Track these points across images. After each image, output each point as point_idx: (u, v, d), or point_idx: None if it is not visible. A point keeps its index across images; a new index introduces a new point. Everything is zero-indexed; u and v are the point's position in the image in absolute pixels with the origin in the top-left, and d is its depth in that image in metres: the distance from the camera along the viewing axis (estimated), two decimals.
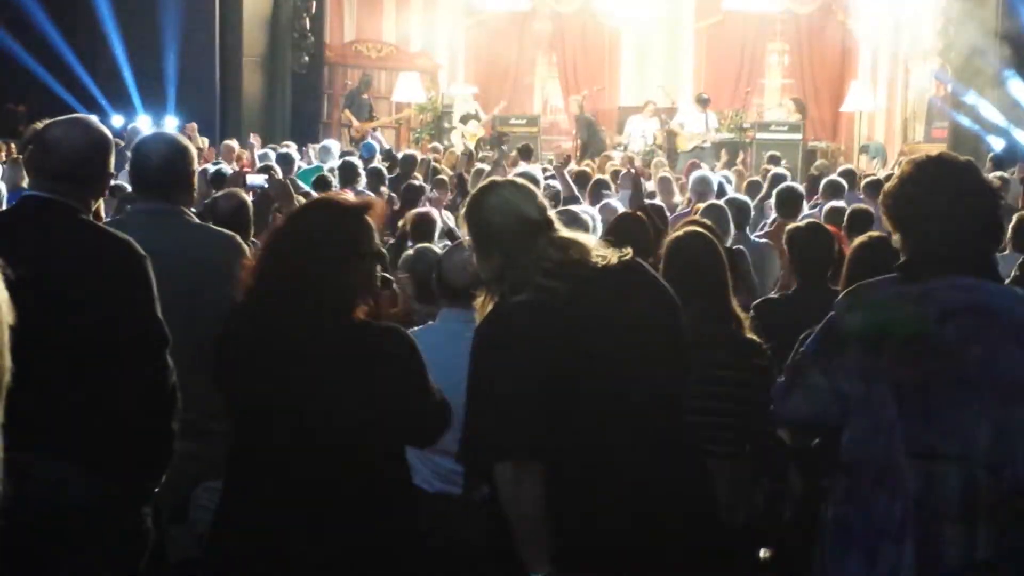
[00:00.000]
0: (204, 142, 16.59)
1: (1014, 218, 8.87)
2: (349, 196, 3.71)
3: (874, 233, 5.02)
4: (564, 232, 3.38)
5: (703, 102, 20.92)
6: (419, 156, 15.05)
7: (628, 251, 3.36)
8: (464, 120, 21.67)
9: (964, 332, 3.08)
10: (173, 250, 4.26)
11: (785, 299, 5.83)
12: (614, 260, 3.30)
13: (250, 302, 3.34)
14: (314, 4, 21.32)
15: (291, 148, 15.16)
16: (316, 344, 3.24)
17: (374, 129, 20.86)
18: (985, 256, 3.25)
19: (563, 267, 3.24)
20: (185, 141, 4.82)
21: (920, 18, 21.85)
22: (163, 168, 4.59)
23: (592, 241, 3.42)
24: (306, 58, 21.40)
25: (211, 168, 11.40)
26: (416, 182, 11.31)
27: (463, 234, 3.54)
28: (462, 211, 3.51)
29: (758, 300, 5.99)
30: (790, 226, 6.14)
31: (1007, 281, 7.62)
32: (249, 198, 6.44)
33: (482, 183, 3.69)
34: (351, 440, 3.23)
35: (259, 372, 3.26)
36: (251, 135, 17.95)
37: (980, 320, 3.10)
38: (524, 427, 3.09)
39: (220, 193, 6.87)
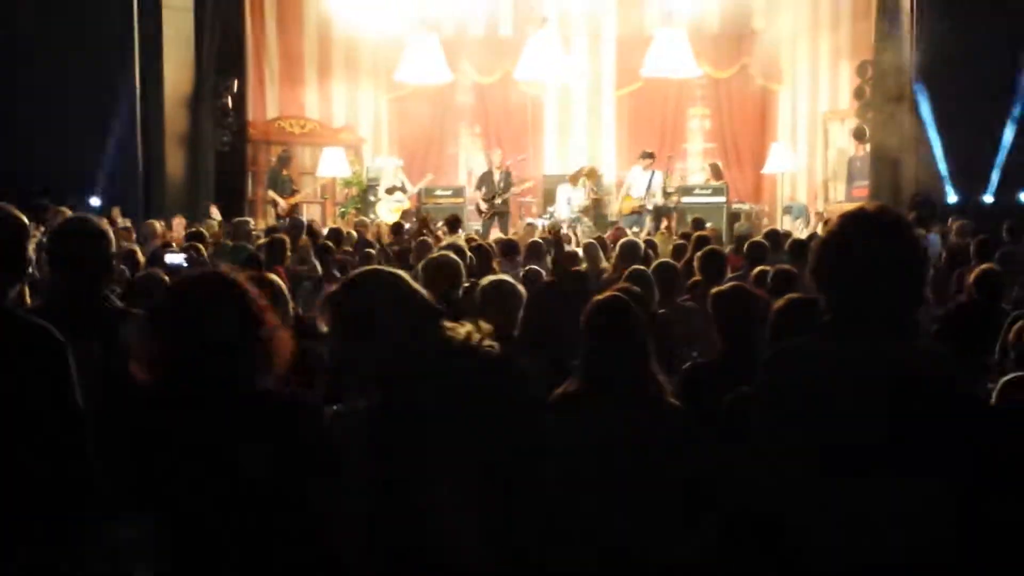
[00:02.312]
0: (127, 222, 16.43)
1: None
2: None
3: (794, 295, 5.03)
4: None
5: (648, 156, 21.11)
6: (345, 231, 15.05)
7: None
8: (390, 192, 21.66)
9: (877, 403, 3.06)
10: (95, 335, 4.20)
11: (711, 363, 5.83)
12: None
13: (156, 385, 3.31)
14: (235, 82, 21.27)
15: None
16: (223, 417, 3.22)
17: (296, 205, 20.80)
18: (908, 316, 3.21)
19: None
20: (103, 224, 4.77)
21: (836, 79, 22.25)
22: (82, 252, 4.53)
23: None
24: (228, 136, 21.32)
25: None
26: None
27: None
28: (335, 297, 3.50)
29: (686, 365, 5.98)
30: (714, 290, 6.15)
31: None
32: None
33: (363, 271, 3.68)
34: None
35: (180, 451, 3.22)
36: (211, 207, 17.96)
37: (894, 389, 3.08)
38: None
39: (139, 274, 6.80)
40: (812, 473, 3.06)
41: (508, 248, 12.45)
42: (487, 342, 3.45)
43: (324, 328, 3.47)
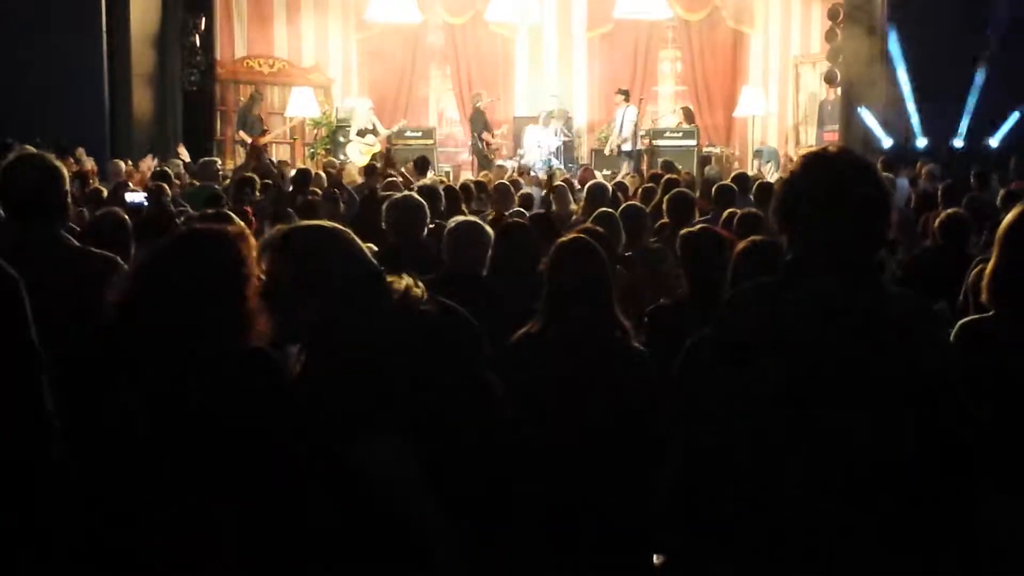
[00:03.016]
0: (91, 162, 16.26)
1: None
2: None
3: (757, 237, 5.00)
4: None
5: (621, 93, 21.11)
6: (313, 171, 14.96)
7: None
8: (361, 134, 21.53)
9: (845, 333, 3.04)
10: (49, 274, 4.14)
11: (677, 304, 5.80)
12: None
13: (125, 324, 3.25)
14: (203, 20, 21.05)
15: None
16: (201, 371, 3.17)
17: (266, 145, 20.66)
18: (869, 257, 3.17)
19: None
20: (55, 161, 4.69)
21: (808, 22, 22.20)
22: (34, 191, 4.47)
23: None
24: (197, 75, 21.11)
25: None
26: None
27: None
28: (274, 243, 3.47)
29: (651, 306, 5.95)
30: (682, 232, 6.12)
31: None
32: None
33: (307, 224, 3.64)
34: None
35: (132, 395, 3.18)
36: (179, 148, 17.86)
37: (860, 322, 3.06)
38: None
39: (98, 212, 6.74)
40: (769, 417, 3.05)
41: (478, 189, 12.40)
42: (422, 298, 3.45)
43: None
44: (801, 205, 3.16)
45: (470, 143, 22.01)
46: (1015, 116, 17.49)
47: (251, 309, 3.30)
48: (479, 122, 22.00)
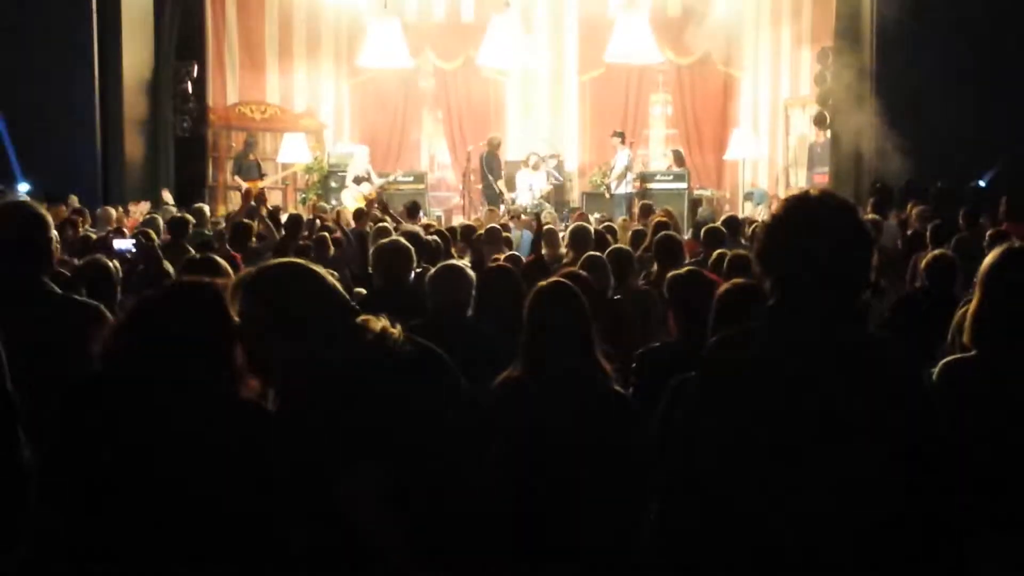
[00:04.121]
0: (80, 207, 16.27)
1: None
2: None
3: (740, 280, 5.01)
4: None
5: (619, 136, 21.26)
6: (305, 217, 14.99)
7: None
8: (357, 181, 21.50)
9: (825, 377, 3.03)
10: (31, 323, 4.14)
11: (665, 347, 5.80)
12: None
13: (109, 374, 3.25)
14: (195, 67, 21.10)
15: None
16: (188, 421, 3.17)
17: (262, 189, 20.69)
18: (851, 302, 3.15)
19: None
20: (39, 209, 4.70)
21: (798, 66, 22.30)
22: (16, 239, 4.47)
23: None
24: (189, 121, 21.16)
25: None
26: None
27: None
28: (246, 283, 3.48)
29: (641, 349, 5.95)
30: (670, 273, 6.13)
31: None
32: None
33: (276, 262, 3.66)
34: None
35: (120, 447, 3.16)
36: (163, 192, 17.85)
37: (841, 365, 3.05)
38: None
39: (84, 260, 6.73)
40: (753, 457, 3.05)
41: (466, 233, 12.43)
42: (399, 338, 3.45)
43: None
44: (780, 249, 3.16)
45: (482, 184, 21.78)
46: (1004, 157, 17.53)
47: (241, 361, 3.30)
48: (493, 163, 21.81)
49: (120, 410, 3.19)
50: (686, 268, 6.69)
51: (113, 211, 15.84)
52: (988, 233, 11.04)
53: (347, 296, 3.53)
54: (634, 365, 5.59)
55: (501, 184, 21.33)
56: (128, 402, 3.19)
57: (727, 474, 3.09)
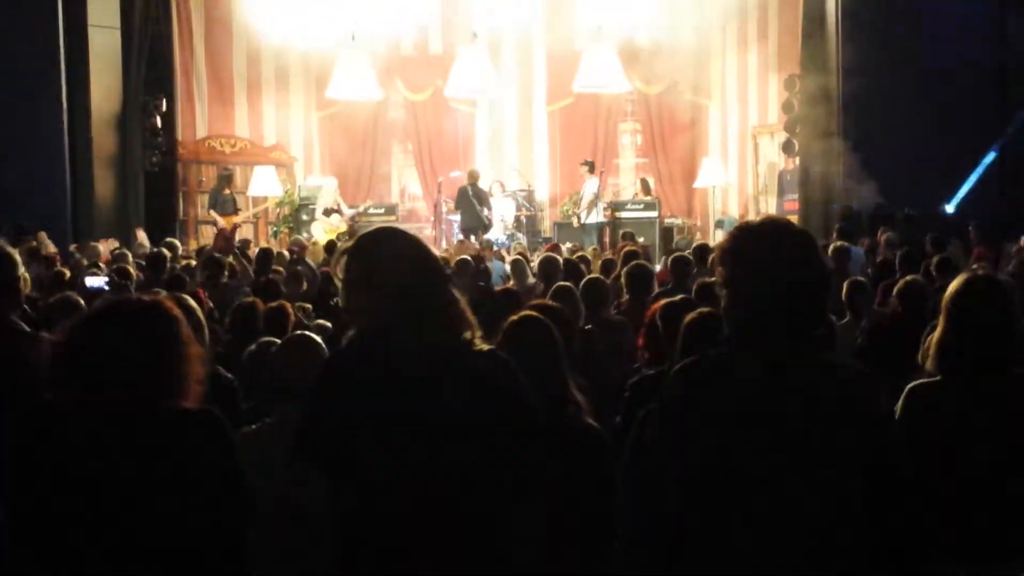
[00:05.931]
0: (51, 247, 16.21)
1: (844, 284, 9.06)
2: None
3: (705, 309, 5.04)
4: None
5: (588, 165, 21.35)
6: (275, 250, 14.98)
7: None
8: (327, 213, 21.48)
9: (783, 405, 3.05)
10: None
11: (660, 375, 5.77)
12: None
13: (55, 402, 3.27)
14: (164, 101, 21.05)
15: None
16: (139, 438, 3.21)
17: (237, 225, 20.67)
18: (806, 330, 3.13)
19: None
20: (6, 247, 4.69)
21: (765, 93, 22.45)
22: None
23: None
24: (158, 156, 21.10)
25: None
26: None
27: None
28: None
29: (633, 379, 5.92)
30: (663, 301, 6.13)
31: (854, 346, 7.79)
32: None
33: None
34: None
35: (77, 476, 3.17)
36: (137, 231, 17.78)
37: (798, 394, 3.06)
38: None
39: (54, 298, 6.72)
40: (713, 488, 3.06)
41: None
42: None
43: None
44: (731, 278, 3.16)
45: (461, 216, 21.69)
46: (969, 181, 17.72)
47: (184, 372, 3.32)
48: (481, 194, 21.73)
49: (70, 438, 3.22)
50: (680, 297, 6.68)
51: (102, 246, 15.80)
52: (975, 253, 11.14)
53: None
54: (626, 395, 5.58)
55: (492, 214, 21.33)
56: (77, 428, 3.22)
57: (689, 506, 3.10)
